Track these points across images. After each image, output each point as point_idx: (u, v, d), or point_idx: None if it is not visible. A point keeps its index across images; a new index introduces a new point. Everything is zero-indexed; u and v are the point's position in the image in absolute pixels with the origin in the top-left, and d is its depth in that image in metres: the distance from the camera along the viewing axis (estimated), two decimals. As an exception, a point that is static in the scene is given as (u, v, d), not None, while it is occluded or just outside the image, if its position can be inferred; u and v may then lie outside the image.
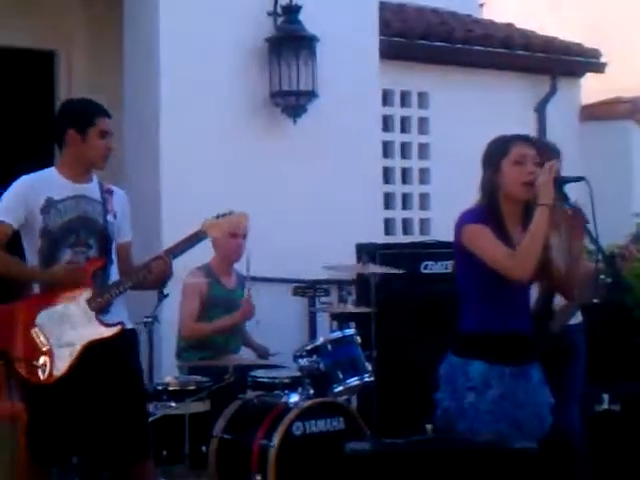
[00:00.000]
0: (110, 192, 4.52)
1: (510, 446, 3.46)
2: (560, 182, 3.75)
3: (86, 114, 4.42)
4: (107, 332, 4.33)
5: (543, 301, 4.62)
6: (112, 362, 4.35)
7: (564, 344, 4.70)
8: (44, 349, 4.26)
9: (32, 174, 4.46)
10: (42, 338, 4.28)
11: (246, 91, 7.48)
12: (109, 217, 4.44)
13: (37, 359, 4.25)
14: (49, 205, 4.33)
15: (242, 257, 6.06)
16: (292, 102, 7.52)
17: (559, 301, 4.69)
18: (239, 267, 6.11)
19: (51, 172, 4.47)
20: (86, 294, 4.32)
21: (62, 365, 4.25)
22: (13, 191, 4.38)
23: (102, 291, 4.35)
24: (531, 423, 3.79)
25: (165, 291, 5.41)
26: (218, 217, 4.54)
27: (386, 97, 9.03)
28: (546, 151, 5.01)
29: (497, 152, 3.84)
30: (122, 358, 4.42)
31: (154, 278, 4.43)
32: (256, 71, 7.50)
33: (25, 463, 4.48)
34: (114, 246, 4.48)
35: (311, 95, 7.50)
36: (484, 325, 3.78)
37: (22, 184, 4.39)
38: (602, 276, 4.29)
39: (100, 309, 4.34)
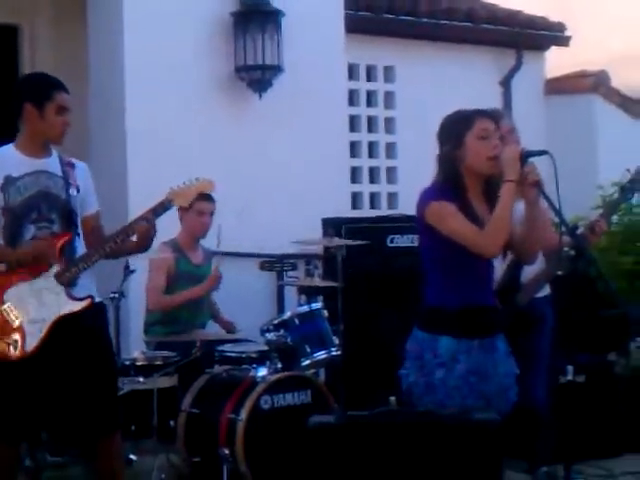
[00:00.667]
0: (71, 165, 4.48)
1: (472, 418, 3.49)
2: (525, 156, 3.75)
3: (43, 89, 4.38)
4: (76, 306, 4.32)
5: (510, 274, 4.66)
6: (82, 336, 4.33)
7: (531, 316, 4.74)
8: (15, 325, 4.25)
9: None
10: (12, 315, 4.26)
11: (211, 65, 7.44)
12: (71, 190, 4.40)
13: (8, 336, 4.24)
14: (8, 183, 4.29)
15: (207, 234, 6.07)
16: (257, 76, 7.49)
17: (527, 274, 4.74)
18: (207, 242, 6.12)
19: (9, 149, 4.42)
20: (54, 269, 4.31)
21: (33, 341, 4.24)
22: None
23: (70, 265, 4.32)
24: (498, 395, 3.81)
25: (131, 267, 5.41)
26: (184, 183, 4.52)
27: (352, 71, 9.02)
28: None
29: (459, 126, 3.81)
30: (92, 332, 4.40)
31: (138, 240, 4.40)
32: (221, 45, 7.47)
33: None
34: (79, 220, 4.45)
35: (276, 69, 7.48)
36: (450, 299, 3.79)
37: None
38: (566, 248, 4.33)
39: (68, 283, 4.32)
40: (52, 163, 4.42)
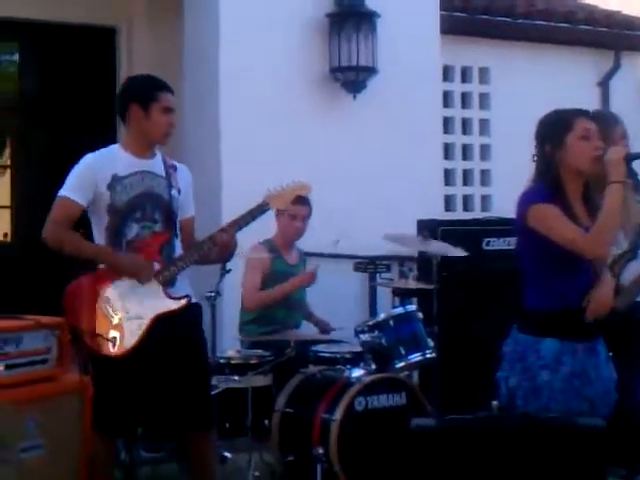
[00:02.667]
0: (174, 168, 4.54)
1: (577, 422, 3.42)
2: (630, 158, 3.68)
3: (149, 89, 4.44)
4: (174, 305, 4.36)
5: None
6: (178, 335, 4.38)
7: (633, 320, 4.63)
8: (114, 323, 4.30)
9: (97, 152, 4.48)
10: (112, 312, 4.32)
11: (306, 66, 7.47)
12: (173, 192, 4.46)
13: (107, 333, 4.29)
14: (115, 181, 4.35)
15: (300, 237, 6.09)
16: (352, 78, 7.51)
17: (628, 277, 4.63)
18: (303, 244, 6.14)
19: (115, 148, 4.50)
20: (154, 267, 4.36)
21: (132, 338, 4.29)
22: (80, 169, 4.40)
23: (169, 264, 4.38)
24: (601, 399, 3.75)
25: (228, 266, 5.44)
26: (281, 186, 4.54)
27: (447, 73, 8.97)
28: (607, 122, 4.97)
29: (560, 127, 3.75)
30: (188, 331, 4.45)
31: (218, 251, 4.44)
32: (316, 46, 7.50)
33: (91, 435, 4.54)
34: (178, 221, 4.51)
35: (371, 71, 7.49)
36: (553, 302, 3.73)
37: (88, 162, 4.41)
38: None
39: (167, 282, 4.37)
40: (156, 164, 4.48)
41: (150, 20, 8.65)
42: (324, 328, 6.21)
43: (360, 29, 7.44)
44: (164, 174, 4.46)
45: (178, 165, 4.59)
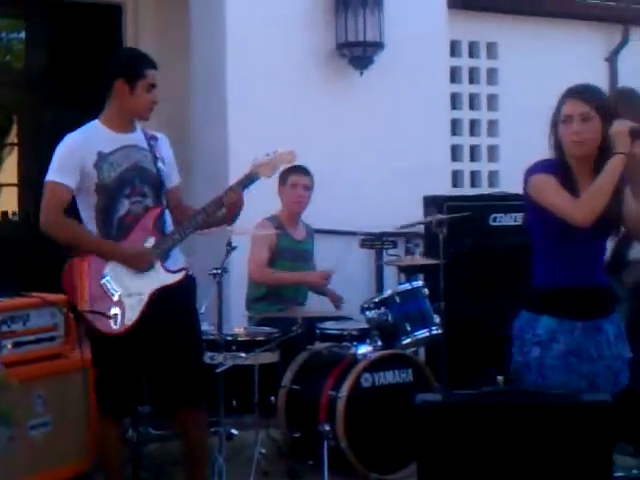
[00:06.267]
0: (155, 138, 4.51)
1: (582, 398, 3.42)
2: (635, 133, 3.66)
3: (137, 66, 4.39)
4: (172, 278, 4.35)
5: (616, 250, 4.56)
6: (176, 309, 4.36)
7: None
8: (115, 299, 4.29)
9: (77, 130, 4.43)
10: (112, 289, 4.31)
11: (313, 42, 7.43)
12: (159, 164, 4.43)
13: (109, 310, 4.27)
14: (101, 159, 4.31)
15: (305, 207, 6.09)
16: (359, 53, 7.46)
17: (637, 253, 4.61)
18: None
19: (95, 125, 4.44)
20: (150, 242, 4.34)
21: (132, 314, 4.27)
22: (64, 151, 4.35)
23: (164, 238, 4.36)
24: (605, 377, 3.74)
25: (233, 244, 5.44)
26: (267, 154, 4.51)
27: (454, 48, 8.91)
28: (635, 102, 4.93)
29: (556, 109, 3.77)
30: (184, 305, 4.44)
31: (227, 211, 4.40)
32: (323, 22, 7.45)
33: (97, 414, 4.54)
34: (164, 192, 4.47)
35: (378, 46, 7.44)
36: (554, 278, 3.73)
37: (72, 143, 4.37)
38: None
39: (163, 256, 4.35)
40: (139, 137, 4.45)
41: (157, -3, 8.63)
42: (336, 300, 6.21)
43: (367, 4, 7.39)
44: (147, 147, 4.43)
45: (158, 135, 4.55)
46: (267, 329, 5.50)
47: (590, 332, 3.73)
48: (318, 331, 5.61)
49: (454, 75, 8.89)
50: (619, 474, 4.82)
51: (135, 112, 4.41)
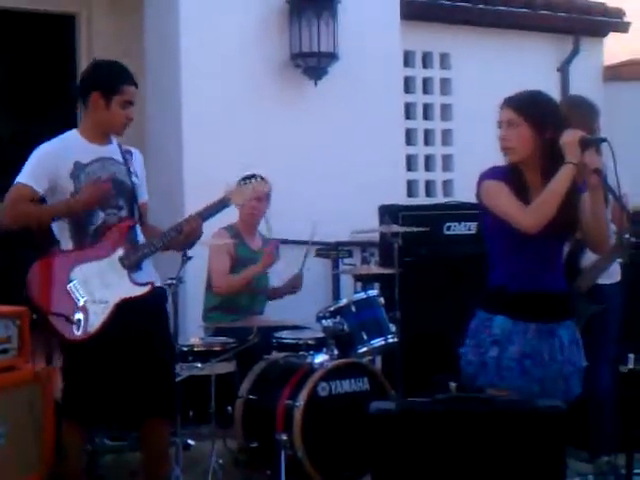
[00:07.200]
0: (130, 153, 4.54)
1: (535, 405, 3.45)
2: (584, 143, 3.71)
3: (114, 81, 4.39)
4: (139, 291, 4.36)
5: (567, 260, 4.59)
6: (143, 321, 4.37)
7: (594, 304, 4.66)
8: (79, 305, 4.28)
9: (54, 140, 4.45)
10: (77, 294, 4.30)
11: (267, 52, 7.45)
12: (134, 178, 4.46)
13: (73, 314, 4.26)
14: (78, 169, 4.33)
15: (261, 219, 6.10)
16: (313, 64, 7.50)
17: (588, 260, 4.65)
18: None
19: (73, 135, 4.46)
20: (119, 252, 4.35)
21: (96, 322, 4.27)
22: (38, 157, 4.35)
23: (134, 250, 4.37)
24: (554, 382, 3.76)
25: (189, 254, 5.43)
26: (241, 183, 4.54)
27: (408, 58, 8.98)
28: (589, 110, 4.99)
29: None
30: (152, 317, 4.45)
31: (183, 239, 4.43)
32: (277, 32, 7.48)
33: (54, 424, 4.51)
34: (137, 206, 4.50)
35: (332, 57, 7.48)
36: (509, 280, 3.77)
37: (46, 152, 4.37)
38: (627, 235, 4.27)
39: (132, 267, 4.36)
40: (114, 150, 4.48)
41: (110, 6, 8.59)
42: (293, 284, 6.23)
43: (321, 15, 7.42)
44: (122, 160, 4.46)
45: (132, 150, 4.58)
46: (223, 339, 5.50)
47: (544, 335, 3.76)
48: (274, 340, 5.61)
49: (408, 85, 8.96)
50: (575, 480, 4.88)
51: (108, 126, 4.43)
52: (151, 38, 7.59)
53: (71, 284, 4.30)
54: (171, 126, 7.29)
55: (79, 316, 4.27)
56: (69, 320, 4.24)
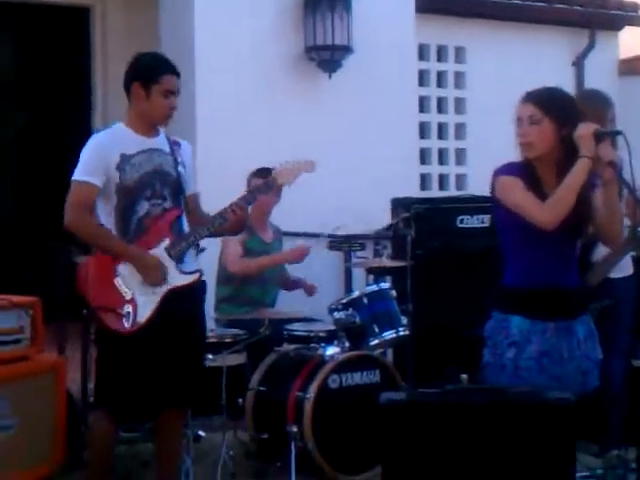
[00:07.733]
0: (177, 144, 4.53)
1: (544, 397, 3.44)
2: (599, 136, 3.69)
3: (152, 70, 4.39)
4: (186, 280, 4.37)
5: (579, 253, 4.58)
6: (186, 311, 4.39)
7: (605, 298, 4.65)
8: (128, 298, 4.28)
9: (103, 132, 4.48)
10: (125, 287, 4.30)
11: (281, 46, 7.46)
12: (180, 169, 4.45)
13: (122, 308, 4.27)
14: (123, 161, 4.32)
15: (272, 210, 6.10)
16: (327, 57, 7.50)
17: (600, 253, 4.63)
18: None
19: (120, 127, 4.45)
20: (165, 243, 4.35)
21: (145, 313, 4.27)
22: (91, 151, 4.35)
23: (180, 240, 4.37)
24: (574, 378, 3.74)
25: (201, 245, 5.44)
26: (287, 164, 4.57)
27: (422, 51, 8.96)
28: (602, 103, 4.96)
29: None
30: (194, 308, 4.49)
31: (233, 224, 4.46)
32: (291, 26, 7.48)
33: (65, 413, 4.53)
34: (183, 197, 4.50)
35: (346, 50, 7.48)
36: (524, 279, 3.73)
37: (98, 143, 4.38)
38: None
39: (178, 257, 4.37)
40: (161, 141, 4.47)
41: (125, 0, 8.60)
42: (308, 288, 6.24)
43: (335, 8, 7.42)
44: (169, 151, 4.45)
45: (181, 141, 4.58)
46: (235, 331, 5.50)
47: (562, 333, 3.73)
48: (286, 333, 5.62)
49: (422, 79, 8.95)
50: (584, 474, 4.86)
51: (151, 117, 4.41)
52: (166, 33, 7.60)
53: (119, 277, 4.29)
54: (185, 119, 7.27)
55: (128, 309, 4.27)
56: (118, 314, 4.25)
